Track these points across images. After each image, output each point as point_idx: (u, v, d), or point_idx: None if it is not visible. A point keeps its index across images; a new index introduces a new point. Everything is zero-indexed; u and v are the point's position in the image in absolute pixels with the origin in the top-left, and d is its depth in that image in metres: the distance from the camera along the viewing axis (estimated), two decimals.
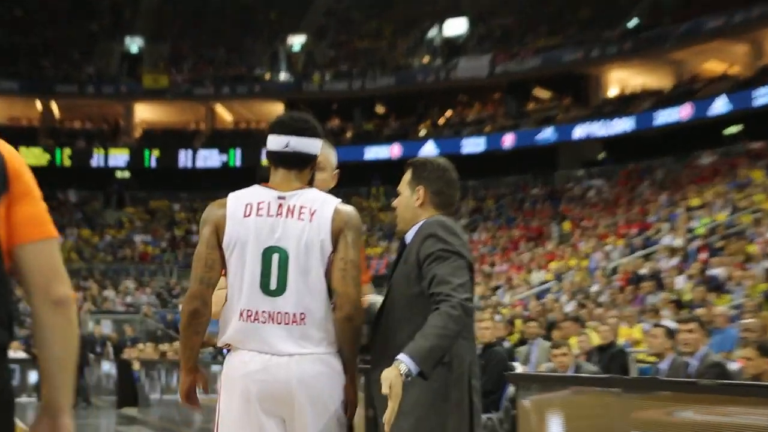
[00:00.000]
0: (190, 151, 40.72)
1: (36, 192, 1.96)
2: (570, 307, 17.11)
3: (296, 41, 43.55)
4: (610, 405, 5.48)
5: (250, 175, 40.57)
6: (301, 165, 3.36)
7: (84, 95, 41.02)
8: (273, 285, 3.22)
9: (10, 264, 1.90)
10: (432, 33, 41.27)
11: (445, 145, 35.75)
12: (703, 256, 18.92)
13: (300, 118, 3.40)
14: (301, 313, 3.22)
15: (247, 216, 3.25)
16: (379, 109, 41.93)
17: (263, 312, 3.21)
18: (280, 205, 3.28)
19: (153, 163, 40.95)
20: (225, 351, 3.42)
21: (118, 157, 40.68)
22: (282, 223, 3.25)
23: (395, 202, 3.65)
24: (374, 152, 38.13)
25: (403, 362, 3.09)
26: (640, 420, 5.13)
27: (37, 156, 39.67)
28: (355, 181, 38.73)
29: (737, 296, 15.04)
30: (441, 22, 40.77)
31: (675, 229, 22.29)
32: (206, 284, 3.22)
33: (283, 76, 42.37)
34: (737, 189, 24.51)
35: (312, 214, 3.27)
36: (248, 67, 42.73)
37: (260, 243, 3.23)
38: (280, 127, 3.35)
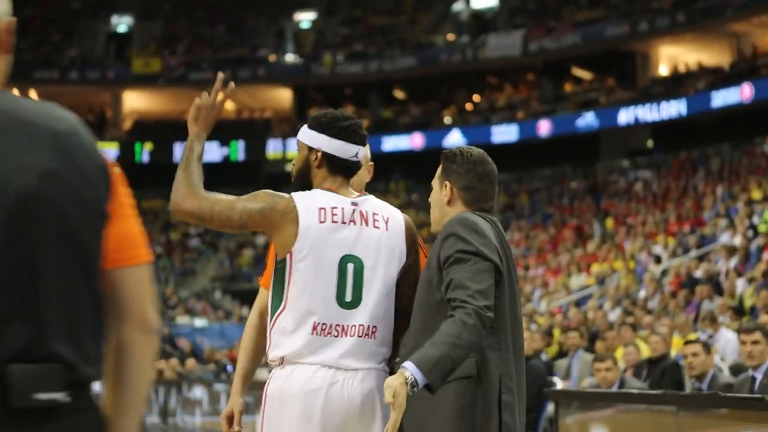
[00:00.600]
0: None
1: (133, 207, 2.03)
2: (614, 315, 17.12)
3: (304, 18, 43.63)
4: (664, 425, 5.50)
5: (254, 170, 40.77)
6: (358, 170, 3.61)
7: (66, 82, 41.26)
8: (348, 297, 3.41)
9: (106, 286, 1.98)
10: (457, 6, 41.25)
11: (472, 133, 35.75)
12: (767, 256, 18.84)
13: (361, 125, 3.62)
14: (374, 327, 3.43)
15: (322, 222, 3.42)
16: (399, 94, 41.94)
17: (337, 326, 3.39)
18: (354, 212, 3.47)
19: (145, 158, 41.15)
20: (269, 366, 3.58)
21: (106, 151, 40.51)
22: (358, 230, 3.45)
23: (430, 199, 3.75)
24: (393, 142, 38.13)
25: (408, 370, 3.17)
26: None
27: None
28: (373, 175, 38.74)
29: None
30: None
31: (734, 226, 22.21)
32: (209, 215, 3.55)
33: (290, 57, 42.46)
34: None
35: (386, 222, 3.50)
36: (251, 48, 42.84)
37: (336, 252, 3.41)
38: (346, 133, 3.55)
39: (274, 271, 3.48)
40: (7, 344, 1.78)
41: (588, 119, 34.75)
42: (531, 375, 8.80)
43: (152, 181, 40.79)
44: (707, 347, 7.70)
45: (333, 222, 3.42)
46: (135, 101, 43.07)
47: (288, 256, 3.41)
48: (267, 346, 3.48)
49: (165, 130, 41.67)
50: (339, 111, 3.66)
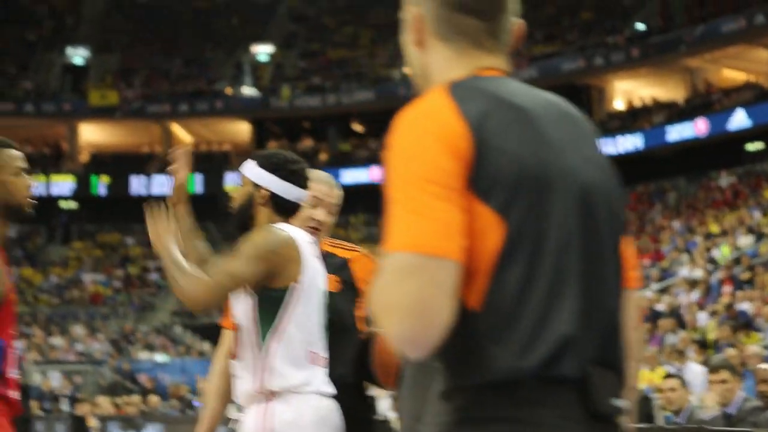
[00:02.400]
0: (143, 177, 40.54)
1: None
2: None
3: (262, 51, 43.57)
4: None
5: (211, 203, 40.46)
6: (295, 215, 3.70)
7: (22, 114, 40.81)
8: (321, 327, 3.61)
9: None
10: None
11: None
12: (728, 289, 18.88)
13: (306, 168, 3.71)
14: (325, 356, 3.62)
15: (312, 256, 3.58)
16: (357, 127, 41.92)
17: (317, 354, 3.55)
18: (315, 247, 3.64)
19: (102, 191, 40.73)
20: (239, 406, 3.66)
21: (63, 184, 40.42)
22: (321, 265, 3.63)
23: None
24: (352, 176, 38.07)
25: None
26: None
27: None
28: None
29: None
30: None
31: (693, 260, 22.26)
32: (215, 301, 3.51)
33: (247, 90, 42.32)
34: (762, 213, 24.54)
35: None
36: (208, 81, 42.67)
37: (319, 285, 3.59)
38: (295, 176, 3.64)
39: (259, 301, 3.50)
40: (591, 345, 1.74)
41: None
42: None
43: (109, 214, 40.43)
44: (683, 381, 7.67)
45: (315, 257, 3.59)
46: (91, 134, 42.68)
47: (292, 286, 3.50)
48: (257, 377, 3.48)
49: (122, 163, 41.33)
50: (289, 153, 3.74)
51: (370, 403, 4.06)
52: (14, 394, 3.40)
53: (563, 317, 1.70)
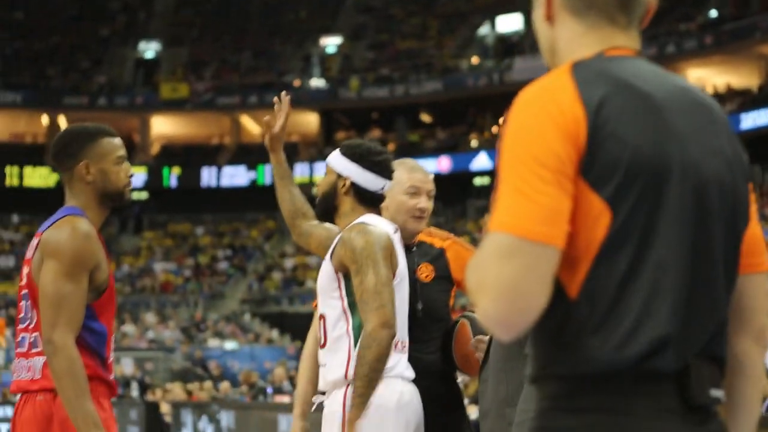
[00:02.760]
0: (214, 168, 40.93)
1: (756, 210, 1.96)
2: None
3: (330, 43, 43.68)
4: None
5: None
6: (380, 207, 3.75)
7: (95, 108, 41.43)
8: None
9: None
10: (483, 30, 41.16)
11: None
12: None
13: (392, 160, 3.75)
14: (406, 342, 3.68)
15: (399, 244, 3.63)
16: (425, 118, 41.85)
17: (404, 341, 3.62)
18: (399, 236, 3.69)
19: (173, 183, 41.21)
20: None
21: (135, 176, 40.84)
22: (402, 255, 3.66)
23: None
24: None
25: None
26: None
27: (43, 177, 40.07)
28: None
29: None
30: (493, 17, 40.68)
31: None
32: (395, 311, 3.50)
33: (316, 82, 42.48)
34: None
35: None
36: (277, 73, 42.90)
37: (406, 273, 3.64)
38: (379, 167, 3.66)
39: (353, 293, 3.54)
40: (691, 341, 1.71)
41: None
42: None
43: (180, 205, 40.90)
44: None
45: (400, 245, 3.63)
46: (162, 126, 43.19)
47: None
48: (345, 365, 3.53)
49: (192, 155, 41.78)
50: (374, 144, 3.78)
51: (458, 390, 4.06)
52: (112, 378, 3.47)
53: (662, 315, 1.67)
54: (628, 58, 1.80)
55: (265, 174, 40.42)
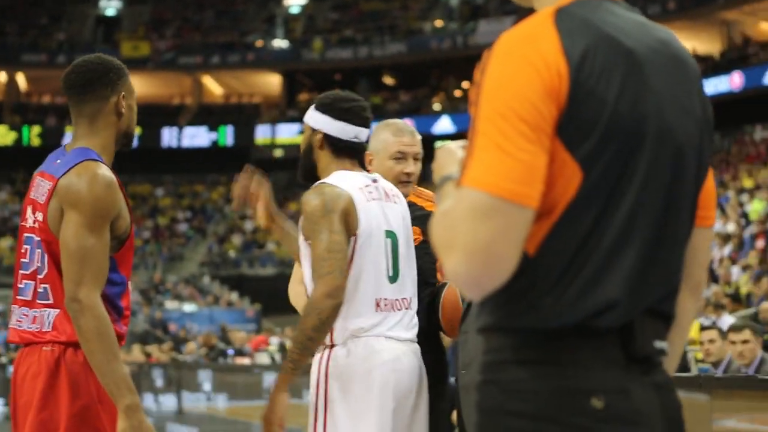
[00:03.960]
0: (175, 129, 40.63)
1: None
2: None
3: (294, 3, 43.35)
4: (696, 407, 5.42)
5: (242, 155, 40.46)
6: (362, 155, 3.58)
7: (54, 65, 40.84)
8: (391, 271, 3.47)
9: None
10: None
11: (462, 120, 35.57)
12: (761, 243, 18.73)
13: (366, 107, 3.60)
14: (410, 299, 3.51)
15: (368, 201, 3.45)
16: (388, 80, 41.72)
17: (387, 299, 3.44)
18: (377, 188, 3.50)
19: (133, 142, 40.80)
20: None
21: None
22: (386, 206, 3.49)
23: None
24: None
25: None
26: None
27: (1, 135, 39.57)
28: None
29: None
30: None
31: (725, 214, 22.08)
32: (345, 277, 3.35)
33: (279, 42, 42.18)
34: None
35: (398, 197, 3.57)
36: (240, 33, 42.54)
37: (382, 228, 3.46)
38: (347, 114, 3.52)
39: None
40: (641, 302, 1.70)
41: None
42: None
43: (140, 165, 40.54)
44: (723, 333, 7.59)
45: (373, 199, 3.46)
46: None
47: (352, 239, 3.41)
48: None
49: (153, 115, 41.38)
50: (344, 92, 3.62)
51: (444, 359, 3.98)
52: (125, 329, 3.28)
53: (615, 279, 1.66)
54: (611, 3, 1.76)
55: (227, 135, 40.18)
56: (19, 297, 3.26)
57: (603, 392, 1.64)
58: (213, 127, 40.53)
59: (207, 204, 39.82)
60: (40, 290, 3.20)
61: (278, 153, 40.64)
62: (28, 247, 3.25)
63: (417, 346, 3.49)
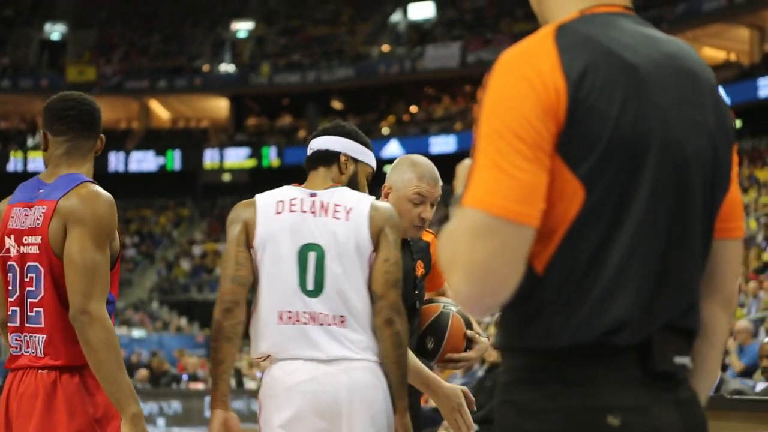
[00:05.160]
0: (122, 153, 40.31)
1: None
2: None
3: (242, 27, 43.30)
4: None
5: (190, 179, 40.32)
6: (323, 162, 3.55)
7: None
8: (310, 285, 3.36)
9: None
10: (395, 17, 41.20)
11: (410, 144, 35.67)
12: None
13: (333, 124, 3.66)
14: (341, 316, 3.34)
15: (279, 213, 3.42)
16: (337, 105, 41.77)
17: (304, 312, 3.34)
18: (313, 203, 3.44)
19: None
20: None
21: (39, 160, 40.07)
22: (315, 220, 3.41)
23: None
24: None
25: None
26: None
27: None
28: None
29: (753, 311, 15.18)
30: (405, 5, 40.74)
31: None
32: (238, 283, 3.36)
33: (227, 67, 42.09)
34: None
35: (348, 212, 3.42)
36: (188, 58, 42.40)
37: (296, 240, 3.39)
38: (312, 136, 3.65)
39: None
40: (656, 320, 1.67)
41: None
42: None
43: None
44: None
45: (291, 211, 3.41)
46: None
47: (252, 252, 3.42)
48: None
49: None
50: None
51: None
52: None
53: (626, 296, 1.64)
54: (617, 16, 1.73)
55: (174, 159, 39.94)
56: (9, 324, 3.34)
57: (619, 410, 1.62)
58: (160, 152, 40.29)
59: (155, 229, 39.52)
60: (30, 314, 3.28)
61: (226, 177, 40.48)
62: (11, 274, 3.31)
63: (357, 364, 3.32)
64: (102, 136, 3.51)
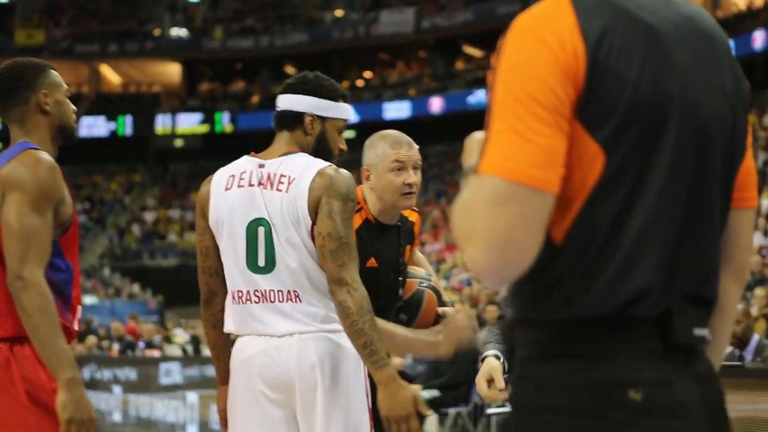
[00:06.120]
0: None
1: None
2: None
3: None
4: None
5: (142, 145, 39.97)
6: (286, 126, 3.44)
7: None
8: (261, 261, 3.30)
9: None
10: None
11: (365, 110, 35.63)
12: None
13: (298, 77, 3.52)
14: (294, 291, 3.29)
15: (228, 189, 3.36)
16: (290, 70, 41.55)
17: (255, 291, 3.30)
18: (261, 174, 3.35)
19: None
20: None
21: None
22: (262, 193, 3.33)
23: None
24: None
25: None
26: None
27: None
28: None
29: None
30: None
31: None
32: (208, 273, 3.38)
33: (179, 31, 41.68)
34: None
35: (290, 183, 3.32)
36: (139, 21, 41.92)
37: (243, 217, 3.32)
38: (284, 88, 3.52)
39: None
40: (677, 288, 1.63)
41: (479, 97, 34.92)
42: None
43: None
44: None
45: (239, 186, 3.35)
46: None
47: (208, 227, 3.40)
48: None
49: None
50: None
51: None
52: (77, 319, 3.28)
53: (648, 265, 1.61)
54: None
55: (125, 125, 39.58)
56: None
57: (641, 384, 1.59)
58: (111, 117, 39.90)
59: (106, 195, 39.20)
60: None
61: (179, 143, 40.18)
62: None
63: (310, 336, 3.28)
64: (42, 92, 3.36)
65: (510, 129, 1.55)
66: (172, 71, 42.04)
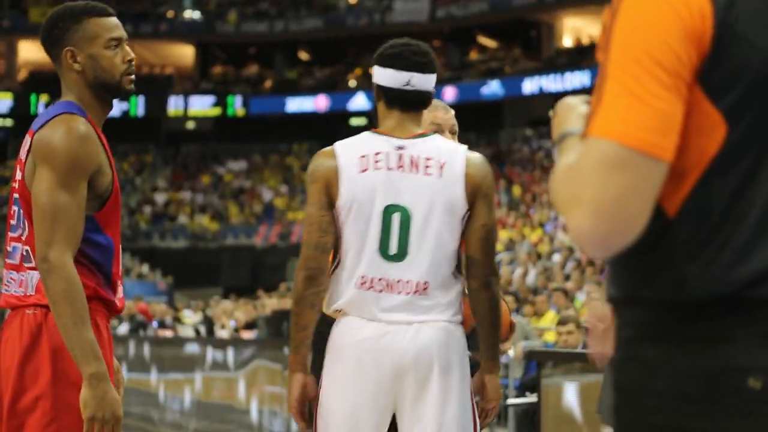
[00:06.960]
0: None
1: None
2: (531, 280, 17.45)
3: None
4: None
5: (154, 126, 39.94)
6: (421, 106, 3.32)
7: None
8: (393, 249, 3.20)
9: None
10: None
11: None
12: None
13: (420, 51, 3.32)
14: (425, 282, 3.20)
15: (363, 171, 3.21)
16: (304, 56, 41.48)
17: (380, 279, 3.20)
18: (401, 156, 3.23)
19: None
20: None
21: (0, 102, 39.63)
22: (403, 177, 3.21)
23: None
24: (297, 104, 37.73)
25: None
26: None
27: None
28: (275, 137, 38.30)
29: None
30: None
31: None
32: (321, 250, 3.21)
33: (193, 14, 41.62)
34: None
35: (441, 168, 3.22)
36: (153, 3, 41.87)
37: (381, 201, 3.20)
38: (399, 60, 3.29)
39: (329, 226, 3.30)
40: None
41: (493, 87, 34.84)
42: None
43: None
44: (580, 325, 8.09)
45: (376, 169, 3.21)
46: (31, 52, 41.70)
47: (336, 211, 3.24)
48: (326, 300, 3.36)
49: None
50: (401, 39, 3.39)
51: None
52: (119, 296, 3.06)
53: None
54: None
55: (138, 106, 39.54)
56: (8, 260, 3.05)
57: (762, 371, 1.49)
58: (124, 97, 39.84)
59: (117, 175, 39.22)
60: (23, 252, 3.01)
61: (191, 125, 40.15)
62: (16, 208, 3.03)
63: (428, 325, 3.19)
64: (68, 48, 3.03)
65: (627, 91, 1.47)
66: (185, 53, 42.00)
